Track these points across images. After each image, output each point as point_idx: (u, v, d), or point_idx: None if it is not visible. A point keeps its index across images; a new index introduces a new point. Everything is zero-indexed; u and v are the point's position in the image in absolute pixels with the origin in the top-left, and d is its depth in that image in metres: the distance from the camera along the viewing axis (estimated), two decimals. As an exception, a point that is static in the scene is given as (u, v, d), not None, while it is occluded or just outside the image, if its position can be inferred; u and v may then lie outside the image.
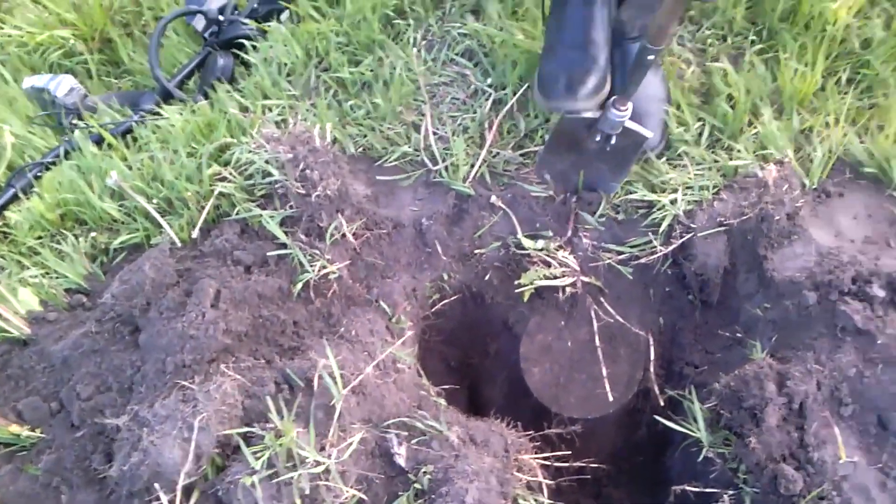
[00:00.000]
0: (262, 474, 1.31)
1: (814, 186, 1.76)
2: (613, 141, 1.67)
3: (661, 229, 1.73)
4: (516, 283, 1.76)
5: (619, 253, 1.77)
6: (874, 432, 1.49)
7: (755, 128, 1.81)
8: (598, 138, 1.68)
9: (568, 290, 1.74)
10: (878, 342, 1.55)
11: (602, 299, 1.82)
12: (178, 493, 1.25)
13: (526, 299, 1.78)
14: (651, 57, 1.50)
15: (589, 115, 1.69)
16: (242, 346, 1.50)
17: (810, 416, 1.52)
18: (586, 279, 1.78)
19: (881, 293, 1.59)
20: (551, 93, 1.78)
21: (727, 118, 1.82)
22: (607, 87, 1.80)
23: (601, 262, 1.77)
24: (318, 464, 1.34)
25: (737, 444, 1.52)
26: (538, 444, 1.64)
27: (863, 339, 1.58)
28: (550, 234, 1.80)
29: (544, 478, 1.58)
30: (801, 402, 1.53)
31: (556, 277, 1.73)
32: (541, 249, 1.75)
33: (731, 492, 1.50)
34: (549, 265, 1.73)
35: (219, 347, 1.45)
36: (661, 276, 1.80)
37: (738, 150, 1.78)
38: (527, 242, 1.76)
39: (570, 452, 1.68)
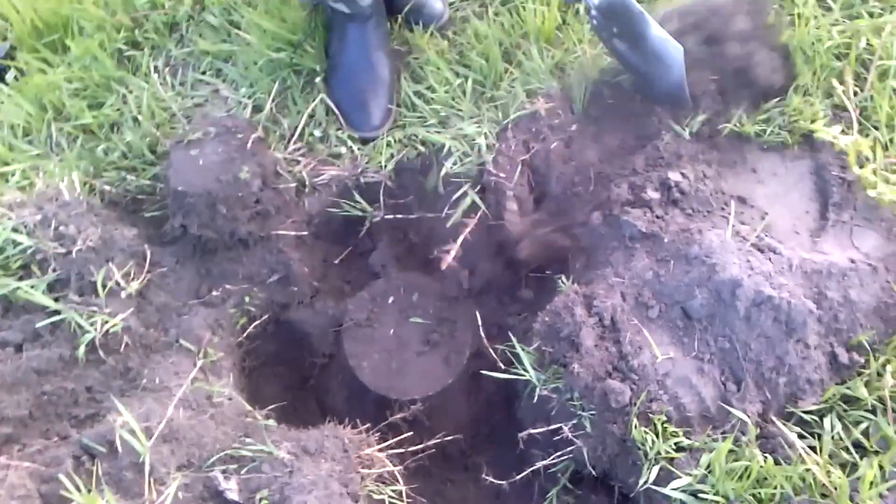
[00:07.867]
0: (73, 559, 1.19)
1: (581, 111, 1.81)
2: None
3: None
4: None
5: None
6: (682, 325, 1.55)
7: (512, 73, 1.86)
8: None
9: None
10: (665, 241, 1.62)
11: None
12: None
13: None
14: None
15: None
16: (29, 429, 1.37)
17: (622, 328, 1.56)
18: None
19: (656, 195, 1.66)
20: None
21: (483, 69, 1.86)
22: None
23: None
24: (135, 528, 1.24)
25: (565, 374, 1.54)
26: (386, 435, 1.60)
27: (650, 242, 1.64)
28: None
29: (395, 465, 1.55)
30: (611, 316, 1.57)
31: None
32: None
33: (571, 423, 1.52)
34: None
35: (-3, 440, 1.31)
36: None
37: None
38: None
39: (411, 435, 1.66)
